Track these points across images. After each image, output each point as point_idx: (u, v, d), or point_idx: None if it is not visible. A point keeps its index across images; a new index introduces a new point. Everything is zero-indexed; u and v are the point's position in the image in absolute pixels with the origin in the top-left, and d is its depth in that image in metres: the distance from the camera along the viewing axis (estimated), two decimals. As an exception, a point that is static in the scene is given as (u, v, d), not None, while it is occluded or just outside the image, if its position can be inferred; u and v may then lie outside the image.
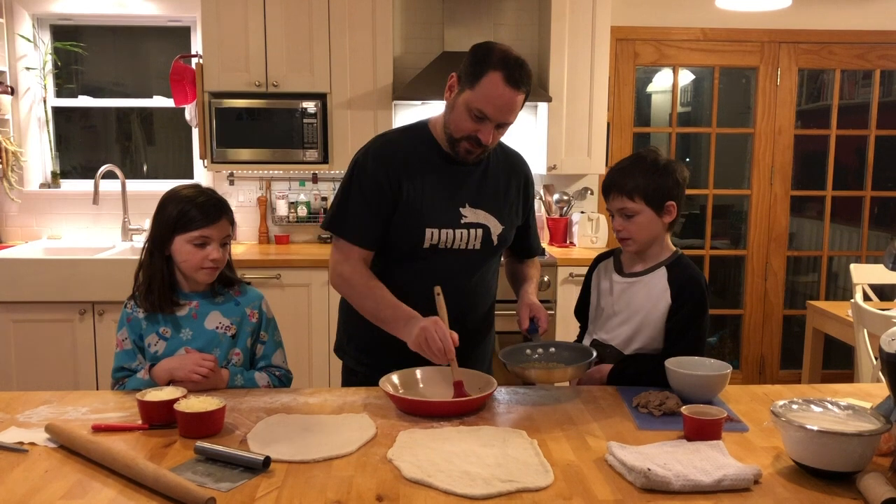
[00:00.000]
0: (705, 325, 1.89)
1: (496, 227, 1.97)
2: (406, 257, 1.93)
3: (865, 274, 3.83)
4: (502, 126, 1.87)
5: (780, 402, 1.42)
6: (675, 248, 1.95)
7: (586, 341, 2.02)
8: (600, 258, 2.08)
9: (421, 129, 1.98)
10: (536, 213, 4.31)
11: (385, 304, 1.85)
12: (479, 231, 1.94)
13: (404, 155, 1.92)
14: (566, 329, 3.74)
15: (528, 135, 4.30)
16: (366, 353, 2.02)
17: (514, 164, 2.07)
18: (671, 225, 1.91)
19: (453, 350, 1.72)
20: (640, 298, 1.90)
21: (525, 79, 1.81)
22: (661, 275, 1.90)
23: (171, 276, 1.88)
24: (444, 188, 1.93)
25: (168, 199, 1.87)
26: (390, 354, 1.85)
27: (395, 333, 1.82)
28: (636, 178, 1.86)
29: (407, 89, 3.84)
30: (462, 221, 1.93)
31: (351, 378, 2.05)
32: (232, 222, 1.91)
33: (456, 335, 1.73)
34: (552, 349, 1.94)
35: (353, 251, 1.91)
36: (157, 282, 1.84)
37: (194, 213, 1.82)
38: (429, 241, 1.90)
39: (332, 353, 2.34)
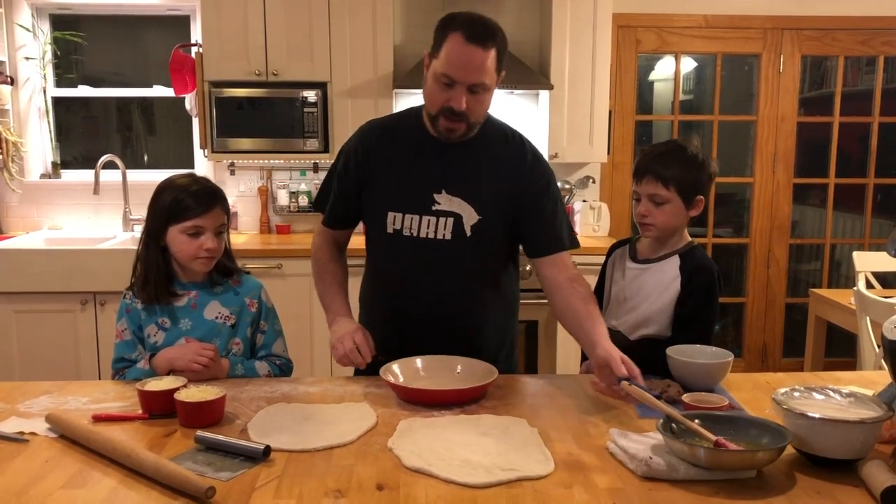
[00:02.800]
0: (715, 313, 1.89)
1: (471, 217, 1.81)
2: (379, 241, 1.91)
3: (868, 262, 3.82)
4: (475, 91, 1.72)
5: (782, 390, 1.41)
6: (690, 239, 1.94)
7: None
8: (616, 246, 2.07)
9: (414, 111, 1.90)
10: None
11: (328, 293, 1.95)
12: (450, 220, 1.81)
13: (385, 136, 1.89)
14: (568, 318, 3.73)
15: (529, 123, 4.28)
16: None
17: (511, 149, 1.88)
18: (693, 218, 1.91)
19: (353, 361, 1.78)
20: (650, 284, 1.90)
21: (489, 33, 1.69)
22: (674, 262, 1.89)
23: (168, 267, 1.87)
24: (420, 172, 1.84)
25: (162, 189, 1.86)
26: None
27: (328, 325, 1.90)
28: (674, 167, 1.84)
29: (408, 77, 3.82)
30: (433, 208, 1.81)
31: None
32: (227, 211, 1.89)
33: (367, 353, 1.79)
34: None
35: (324, 227, 2.02)
36: (153, 273, 1.84)
37: (188, 202, 1.81)
38: (391, 226, 1.85)
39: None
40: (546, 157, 3.98)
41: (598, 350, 1.64)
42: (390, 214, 1.85)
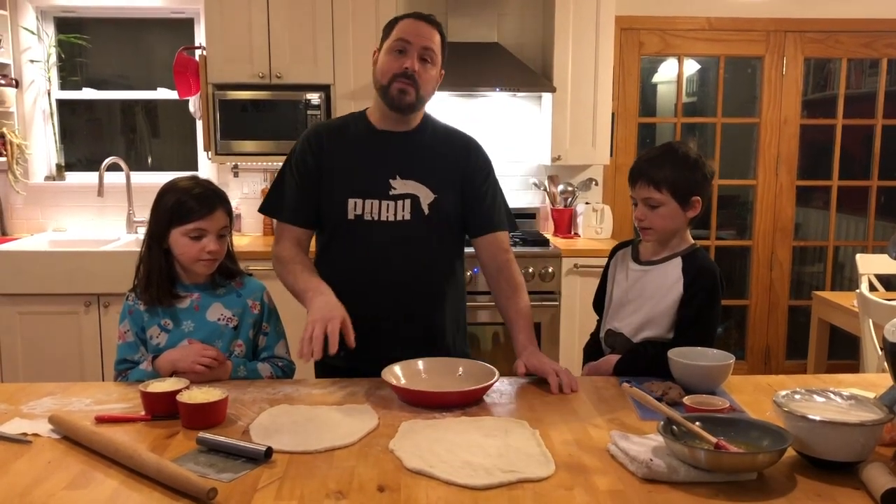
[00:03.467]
0: (717, 316, 1.89)
1: (427, 196, 1.94)
2: (338, 231, 1.96)
3: (871, 264, 3.81)
4: (425, 59, 1.89)
5: (783, 393, 1.41)
6: (693, 241, 1.95)
7: (601, 332, 2.01)
8: (618, 247, 2.07)
9: (358, 114, 2.05)
10: (541, 204, 4.34)
11: (300, 278, 1.90)
12: (408, 201, 1.93)
13: (334, 133, 2.00)
14: (571, 320, 3.74)
15: (532, 125, 4.29)
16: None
17: (454, 139, 2.05)
18: (693, 219, 1.90)
19: (313, 351, 1.65)
20: (653, 286, 1.90)
21: (434, 20, 1.94)
22: (676, 264, 1.89)
23: (171, 269, 1.88)
24: (373, 160, 1.95)
25: (164, 192, 1.87)
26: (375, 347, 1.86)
27: (306, 306, 1.82)
28: (665, 169, 1.85)
29: (410, 80, 3.82)
30: (391, 193, 1.92)
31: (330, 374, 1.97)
32: (229, 213, 1.90)
33: (343, 338, 1.68)
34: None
35: (285, 231, 2.00)
36: (155, 275, 1.84)
37: (190, 204, 1.82)
38: (352, 212, 1.92)
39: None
40: (549, 159, 4.03)
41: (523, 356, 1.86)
42: (351, 201, 1.92)
